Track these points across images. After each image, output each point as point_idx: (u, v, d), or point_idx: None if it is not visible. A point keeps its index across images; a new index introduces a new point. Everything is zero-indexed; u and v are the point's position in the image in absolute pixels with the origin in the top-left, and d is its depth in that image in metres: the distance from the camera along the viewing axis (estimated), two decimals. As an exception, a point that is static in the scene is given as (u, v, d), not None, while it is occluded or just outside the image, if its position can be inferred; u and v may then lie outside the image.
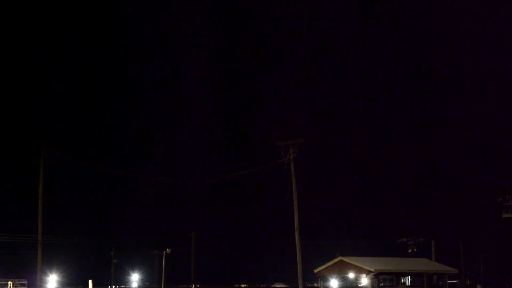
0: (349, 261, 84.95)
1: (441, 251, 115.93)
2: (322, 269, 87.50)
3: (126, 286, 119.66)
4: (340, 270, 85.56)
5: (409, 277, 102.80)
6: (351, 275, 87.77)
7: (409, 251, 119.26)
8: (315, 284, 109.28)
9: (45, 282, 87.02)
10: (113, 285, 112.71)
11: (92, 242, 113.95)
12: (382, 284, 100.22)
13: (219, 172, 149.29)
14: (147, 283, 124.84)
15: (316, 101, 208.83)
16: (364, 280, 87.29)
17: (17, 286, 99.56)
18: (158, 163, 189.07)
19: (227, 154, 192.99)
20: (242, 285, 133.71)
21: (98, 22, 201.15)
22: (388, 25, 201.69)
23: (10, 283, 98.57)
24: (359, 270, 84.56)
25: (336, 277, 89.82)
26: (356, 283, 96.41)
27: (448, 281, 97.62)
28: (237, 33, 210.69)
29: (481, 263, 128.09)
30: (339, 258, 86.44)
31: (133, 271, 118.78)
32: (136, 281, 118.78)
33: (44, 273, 73.90)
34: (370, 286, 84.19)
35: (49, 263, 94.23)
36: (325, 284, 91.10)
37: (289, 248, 70.58)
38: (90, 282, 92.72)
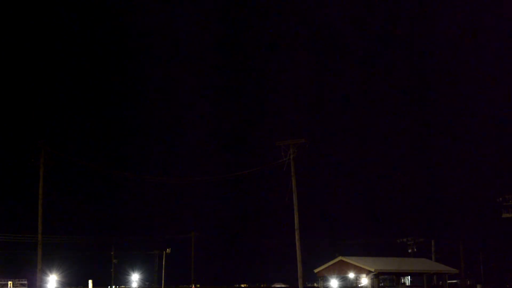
0: (349, 261, 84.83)
1: (441, 251, 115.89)
2: (322, 269, 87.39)
3: (126, 286, 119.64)
4: (340, 270, 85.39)
5: (409, 277, 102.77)
6: (351, 275, 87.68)
7: (409, 251, 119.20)
8: (315, 284, 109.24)
9: (45, 282, 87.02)
10: (113, 285, 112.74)
11: (92, 242, 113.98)
12: (382, 284, 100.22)
13: (219, 172, 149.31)
14: (147, 283, 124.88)
15: (316, 101, 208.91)
16: (364, 280, 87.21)
17: (17, 286, 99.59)
18: (158, 163, 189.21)
19: (227, 154, 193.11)
20: (242, 285, 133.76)
21: (99, 23, 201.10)
22: (388, 25, 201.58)
23: (10, 283, 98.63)
24: (359, 270, 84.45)
25: (336, 277, 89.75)
26: (356, 283, 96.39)
27: (448, 281, 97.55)
28: (238, 33, 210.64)
29: (481, 263, 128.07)
30: (339, 258, 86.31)
31: (133, 271, 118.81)
32: (136, 281, 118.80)
33: (44, 273, 73.92)
34: (370, 286, 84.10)
35: (49, 263, 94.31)
36: (325, 284, 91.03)
37: (289, 248, 70.58)
38: (90, 282, 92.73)
